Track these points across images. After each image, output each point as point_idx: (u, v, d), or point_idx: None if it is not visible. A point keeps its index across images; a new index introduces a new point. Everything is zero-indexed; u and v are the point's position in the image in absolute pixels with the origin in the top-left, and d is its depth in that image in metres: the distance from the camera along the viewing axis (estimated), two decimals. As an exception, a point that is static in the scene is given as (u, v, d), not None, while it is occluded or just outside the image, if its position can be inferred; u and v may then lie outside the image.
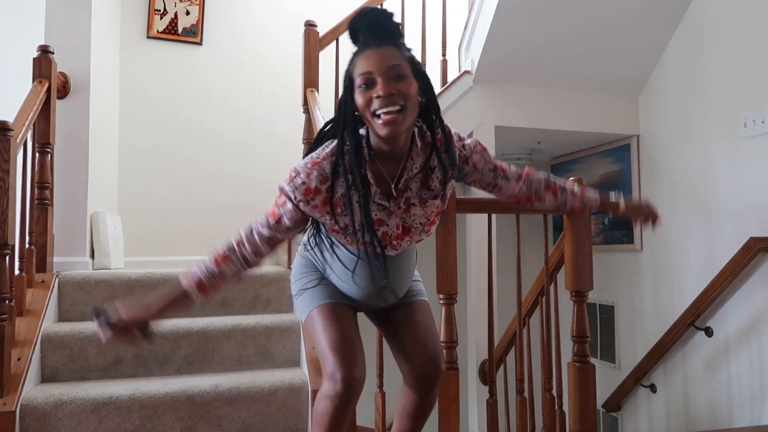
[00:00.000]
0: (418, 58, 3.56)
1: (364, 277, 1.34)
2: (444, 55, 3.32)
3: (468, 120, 3.32)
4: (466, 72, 3.34)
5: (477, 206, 2.44)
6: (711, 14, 3.09)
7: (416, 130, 1.26)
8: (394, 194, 1.25)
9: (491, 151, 3.31)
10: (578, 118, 3.54)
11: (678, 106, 3.33)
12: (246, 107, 3.72)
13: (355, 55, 1.19)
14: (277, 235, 1.27)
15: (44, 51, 2.41)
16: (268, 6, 3.80)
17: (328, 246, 1.35)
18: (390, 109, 1.12)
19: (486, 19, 3.12)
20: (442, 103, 3.25)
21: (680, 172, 3.31)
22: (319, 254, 1.40)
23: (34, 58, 2.39)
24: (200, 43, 3.67)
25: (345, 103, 1.20)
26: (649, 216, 1.59)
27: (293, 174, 1.21)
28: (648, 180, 3.59)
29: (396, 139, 1.19)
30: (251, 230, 1.27)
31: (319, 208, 1.22)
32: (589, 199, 1.55)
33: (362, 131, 1.24)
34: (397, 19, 1.22)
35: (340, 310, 1.36)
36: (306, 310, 1.38)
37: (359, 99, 1.16)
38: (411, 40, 3.73)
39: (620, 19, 3.16)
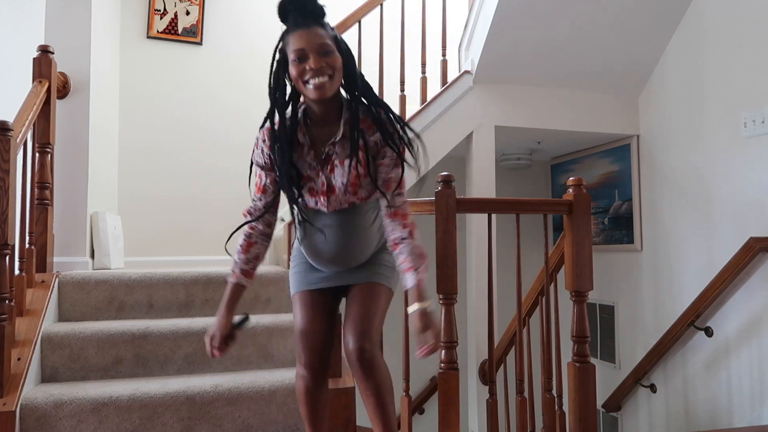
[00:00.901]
0: (418, 58, 3.58)
1: (320, 246, 1.53)
2: (444, 55, 3.32)
3: (468, 120, 3.32)
4: (466, 72, 3.34)
5: (477, 206, 2.44)
6: (711, 14, 3.09)
7: (346, 102, 1.46)
8: (322, 156, 1.45)
9: (491, 151, 3.35)
10: (578, 118, 3.54)
11: (678, 106, 3.33)
12: (246, 107, 3.72)
13: (287, 33, 1.39)
14: (269, 202, 1.53)
15: (44, 51, 2.41)
16: (268, 6, 3.80)
17: (298, 220, 1.53)
18: (319, 77, 1.34)
19: (486, 19, 3.12)
20: (442, 103, 3.26)
21: (680, 172, 3.31)
22: (299, 234, 1.58)
23: (34, 58, 2.39)
24: (200, 43, 3.68)
25: (278, 76, 1.41)
26: (427, 338, 1.36)
27: (254, 145, 1.51)
28: (648, 180, 3.59)
29: (324, 103, 1.40)
30: (250, 213, 1.54)
31: (269, 167, 1.48)
32: (411, 272, 1.44)
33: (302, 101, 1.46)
34: (321, 1, 1.40)
35: (313, 300, 1.56)
36: (291, 293, 1.63)
37: (293, 71, 1.36)
38: (411, 40, 3.76)
39: (620, 19, 3.17)
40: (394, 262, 1.55)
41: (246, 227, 1.55)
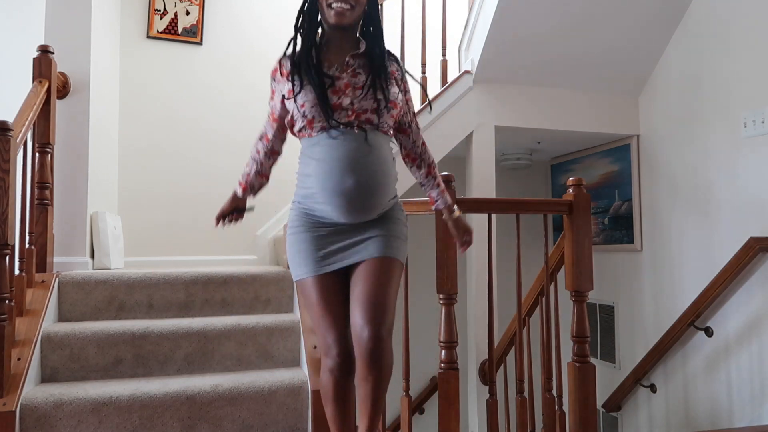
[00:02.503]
0: (418, 58, 3.58)
1: (338, 163, 1.44)
2: (444, 55, 3.32)
3: (468, 120, 3.32)
4: (466, 72, 3.34)
5: (477, 206, 2.44)
6: (711, 14, 3.09)
7: (363, 38, 1.55)
8: (344, 65, 1.49)
9: (491, 151, 3.35)
10: (578, 118, 3.54)
11: (678, 106, 3.33)
12: (246, 107, 3.72)
13: None
14: (279, 128, 1.62)
15: (44, 51, 2.41)
16: (268, 6, 3.80)
17: (306, 146, 1.51)
18: (342, 4, 1.44)
19: (486, 19, 3.12)
20: (442, 102, 3.26)
21: (680, 172, 3.31)
22: (304, 170, 1.52)
23: (34, 58, 2.39)
24: (200, 43, 3.67)
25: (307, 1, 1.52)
26: (464, 238, 1.72)
27: (272, 70, 1.57)
28: (648, 180, 3.59)
29: (342, 30, 1.49)
30: (261, 136, 1.66)
31: (286, 85, 1.49)
32: (442, 197, 1.71)
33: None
34: None
35: (330, 286, 1.48)
36: (297, 274, 1.52)
37: None
38: (411, 40, 3.76)
39: (620, 19, 3.17)
40: (405, 232, 1.57)
41: (252, 150, 1.67)
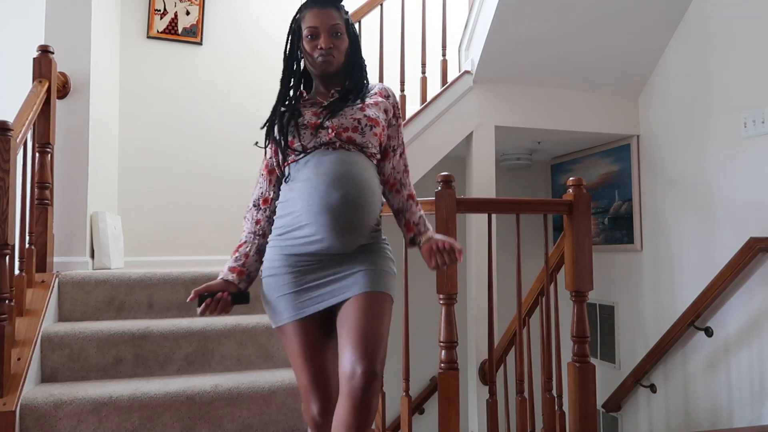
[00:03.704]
0: (418, 58, 3.58)
1: (323, 178, 1.36)
2: (444, 55, 3.32)
3: (468, 120, 3.32)
4: (466, 72, 3.34)
5: (477, 206, 2.44)
6: (711, 14, 3.09)
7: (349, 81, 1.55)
8: (329, 100, 1.48)
9: (491, 151, 3.35)
10: (578, 118, 3.54)
11: (678, 106, 3.33)
12: (246, 106, 3.72)
13: (304, 8, 1.49)
14: (276, 181, 1.49)
15: (44, 51, 2.41)
16: (268, 6, 3.80)
17: (288, 173, 1.44)
18: (327, 56, 1.45)
19: (486, 20, 3.12)
20: (442, 102, 3.26)
21: (680, 172, 3.31)
22: (284, 197, 1.45)
23: (34, 58, 2.39)
24: (200, 43, 3.68)
25: (292, 45, 1.53)
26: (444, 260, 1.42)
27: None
28: (648, 180, 3.59)
29: (328, 78, 1.50)
30: (256, 203, 1.51)
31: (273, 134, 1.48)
32: (424, 222, 1.55)
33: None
34: None
35: (311, 333, 1.39)
36: (275, 321, 1.43)
37: (306, 46, 1.47)
38: (411, 40, 3.76)
39: (620, 19, 3.17)
40: (395, 269, 1.48)
41: (249, 222, 1.50)
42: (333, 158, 1.38)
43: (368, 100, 1.50)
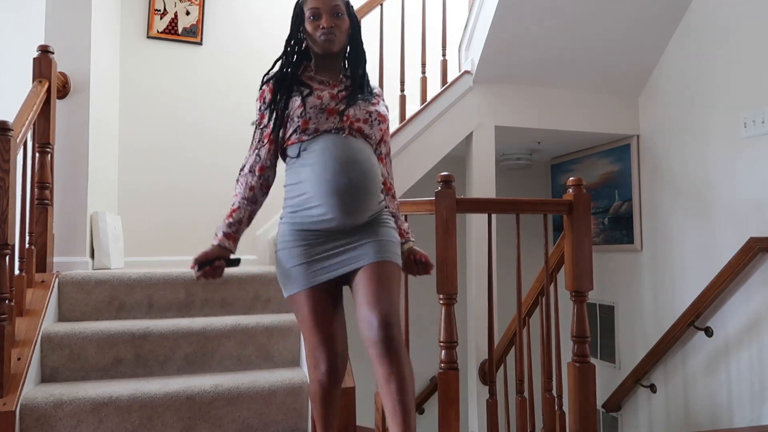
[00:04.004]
0: (418, 58, 3.58)
1: (332, 164, 1.45)
2: (444, 55, 3.32)
3: (468, 120, 3.32)
4: (466, 72, 3.34)
5: (477, 206, 2.44)
6: (711, 14, 3.09)
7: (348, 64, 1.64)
8: (335, 82, 1.57)
9: (491, 151, 3.35)
10: (578, 118, 3.54)
11: (678, 106, 3.33)
12: (246, 106, 3.71)
13: None
14: (273, 152, 1.57)
15: (44, 51, 2.41)
16: (268, 6, 3.80)
17: (296, 153, 1.51)
18: (329, 35, 1.53)
19: (486, 19, 3.12)
20: (442, 103, 3.26)
21: (680, 172, 3.31)
22: (294, 179, 1.51)
23: (34, 58, 2.39)
24: (200, 43, 3.67)
25: (295, 27, 1.60)
26: (419, 271, 1.67)
27: (258, 97, 1.60)
28: (648, 180, 3.59)
29: (329, 58, 1.57)
30: (252, 169, 1.56)
31: (272, 103, 1.54)
32: (408, 235, 1.69)
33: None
34: None
35: (321, 300, 1.48)
36: (288, 290, 1.51)
37: (309, 27, 1.55)
38: (411, 40, 3.76)
39: (620, 19, 3.17)
40: (399, 238, 1.58)
41: (242, 188, 1.55)
42: (342, 144, 1.48)
43: (373, 98, 1.60)
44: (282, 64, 1.59)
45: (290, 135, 1.52)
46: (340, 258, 1.47)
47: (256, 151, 1.57)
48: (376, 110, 1.56)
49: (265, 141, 1.56)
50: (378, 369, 1.35)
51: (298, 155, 1.50)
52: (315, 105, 1.48)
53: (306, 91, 1.51)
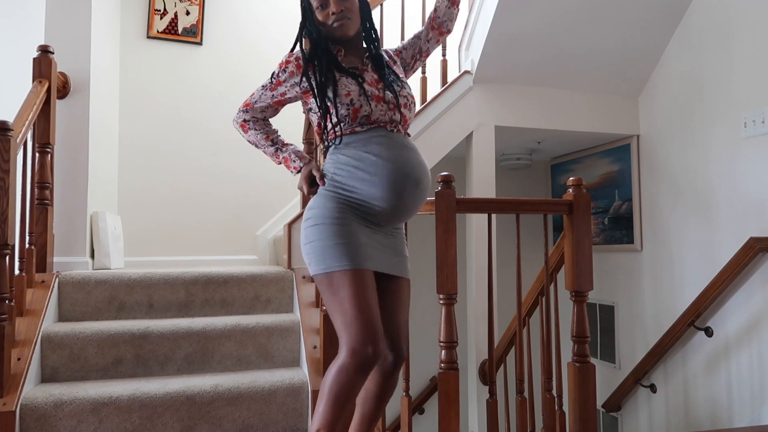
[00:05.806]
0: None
1: (400, 164, 1.44)
2: (444, 55, 3.32)
3: (468, 120, 3.32)
4: (466, 72, 3.34)
5: (477, 206, 2.44)
6: (711, 14, 3.09)
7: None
8: (362, 66, 1.54)
9: (491, 151, 3.35)
10: (578, 118, 3.54)
11: (678, 106, 3.33)
12: (246, 107, 3.72)
13: None
14: (275, 112, 1.61)
15: (44, 51, 2.41)
16: (268, 5, 3.80)
17: (351, 144, 1.47)
18: (341, 20, 1.48)
19: (486, 19, 3.12)
20: (442, 102, 3.26)
21: (680, 172, 3.31)
22: (349, 159, 1.46)
23: (34, 58, 2.39)
24: (200, 43, 3.68)
25: (304, 20, 1.54)
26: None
27: (284, 62, 1.54)
28: (648, 180, 3.59)
29: (347, 42, 1.53)
30: (256, 121, 1.60)
31: (310, 79, 1.50)
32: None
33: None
34: None
35: (370, 282, 1.39)
36: (332, 265, 1.38)
37: (319, 17, 1.50)
38: (411, 40, 3.72)
39: (620, 19, 3.17)
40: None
41: (261, 123, 1.60)
42: (398, 142, 1.47)
43: (400, 74, 1.59)
44: (302, 40, 1.56)
45: (337, 122, 1.47)
46: (389, 257, 1.49)
47: (256, 112, 1.59)
48: (409, 93, 1.55)
49: (273, 104, 1.58)
50: (378, 384, 1.51)
51: (354, 144, 1.47)
52: (367, 92, 1.46)
53: (359, 78, 1.48)
